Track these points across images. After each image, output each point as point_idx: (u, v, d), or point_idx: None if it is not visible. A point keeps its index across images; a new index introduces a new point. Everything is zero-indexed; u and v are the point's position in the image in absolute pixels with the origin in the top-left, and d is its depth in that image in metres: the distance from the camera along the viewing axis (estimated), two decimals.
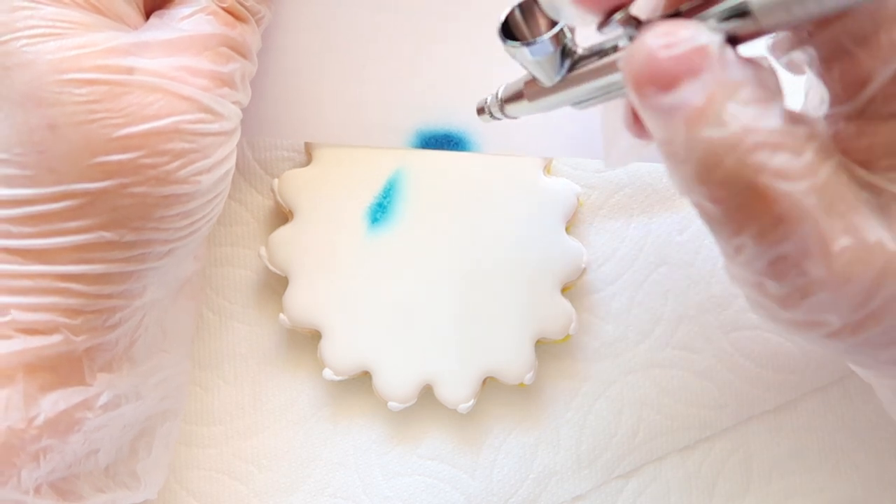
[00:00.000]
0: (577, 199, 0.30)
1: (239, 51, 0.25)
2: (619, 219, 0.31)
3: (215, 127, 0.24)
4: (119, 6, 0.24)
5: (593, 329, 0.31)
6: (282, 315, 0.30)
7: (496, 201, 0.30)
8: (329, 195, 0.30)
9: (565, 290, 0.30)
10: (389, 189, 0.30)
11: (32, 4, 0.22)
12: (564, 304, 0.30)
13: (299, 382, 0.31)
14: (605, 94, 0.21)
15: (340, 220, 0.30)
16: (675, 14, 0.18)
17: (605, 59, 0.20)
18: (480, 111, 0.25)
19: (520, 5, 0.21)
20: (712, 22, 0.18)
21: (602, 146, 0.24)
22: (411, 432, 0.31)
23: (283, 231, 0.30)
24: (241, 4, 0.25)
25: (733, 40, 0.18)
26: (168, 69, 0.23)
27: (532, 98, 0.23)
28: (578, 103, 0.22)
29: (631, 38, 0.19)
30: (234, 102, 0.25)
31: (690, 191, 0.18)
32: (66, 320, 0.23)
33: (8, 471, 0.22)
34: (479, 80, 0.29)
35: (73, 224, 0.22)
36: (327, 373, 0.30)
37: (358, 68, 0.29)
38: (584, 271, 0.30)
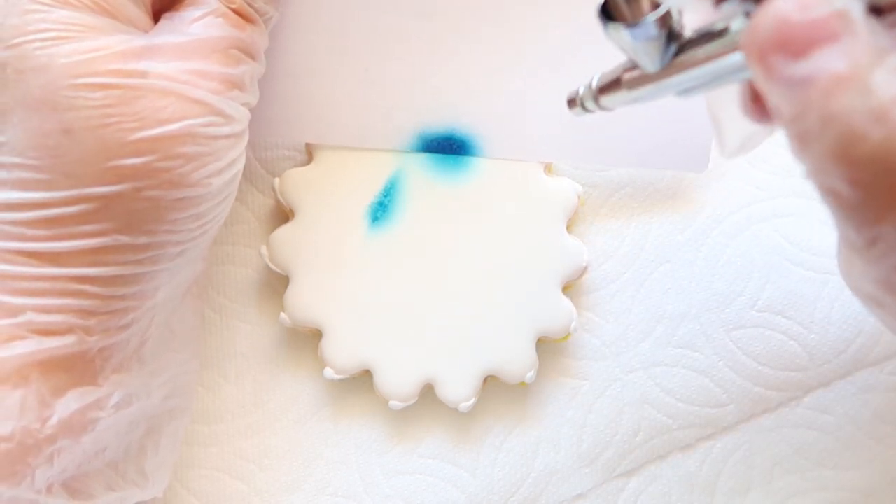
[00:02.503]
0: (578, 198, 0.30)
1: (248, 52, 0.25)
2: (620, 217, 0.31)
3: (226, 129, 0.24)
4: (129, 9, 0.24)
5: (594, 328, 0.31)
6: (282, 314, 0.30)
7: (497, 200, 0.30)
8: (330, 194, 0.30)
9: (566, 288, 0.30)
10: (390, 188, 0.30)
11: (44, 7, 0.22)
12: (565, 302, 0.30)
13: (300, 381, 0.31)
14: (716, 79, 0.19)
15: (341, 219, 0.30)
16: None
17: (718, 42, 0.19)
18: (571, 103, 0.23)
19: None
20: None
21: (715, 135, 0.23)
22: (412, 431, 0.31)
23: (284, 230, 0.30)
24: (250, 5, 0.25)
25: (875, 11, 0.16)
26: (180, 73, 0.23)
27: (632, 86, 0.21)
28: (684, 91, 0.20)
29: (748, 15, 0.17)
30: (243, 104, 0.25)
31: (823, 172, 0.16)
32: (80, 321, 0.23)
33: (23, 471, 0.22)
34: (485, 83, 0.29)
35: (87, 227, 0.22)
36: (328, 372, 0.30)
37: (362, 70, 0.29)
38: (584, 270, 0.30)
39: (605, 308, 0.31)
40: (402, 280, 0.30)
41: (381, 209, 0.30)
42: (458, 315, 0.29)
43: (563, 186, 0.30)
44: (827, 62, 0.15)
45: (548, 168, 0.30)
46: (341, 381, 0.31)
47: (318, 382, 0.31)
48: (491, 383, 0.30)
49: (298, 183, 0.30)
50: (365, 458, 0.31)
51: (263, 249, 0.30)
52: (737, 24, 0.18)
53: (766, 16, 0.16)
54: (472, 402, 0.30)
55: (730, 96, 0.21)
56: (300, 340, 0.31)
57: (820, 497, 0.31)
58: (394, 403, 0.30)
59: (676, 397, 0.31)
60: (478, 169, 0.30)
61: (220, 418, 0.31)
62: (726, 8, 0.18)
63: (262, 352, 0.31)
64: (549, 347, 0.31)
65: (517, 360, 0.30)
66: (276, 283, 0.31)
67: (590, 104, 0.23)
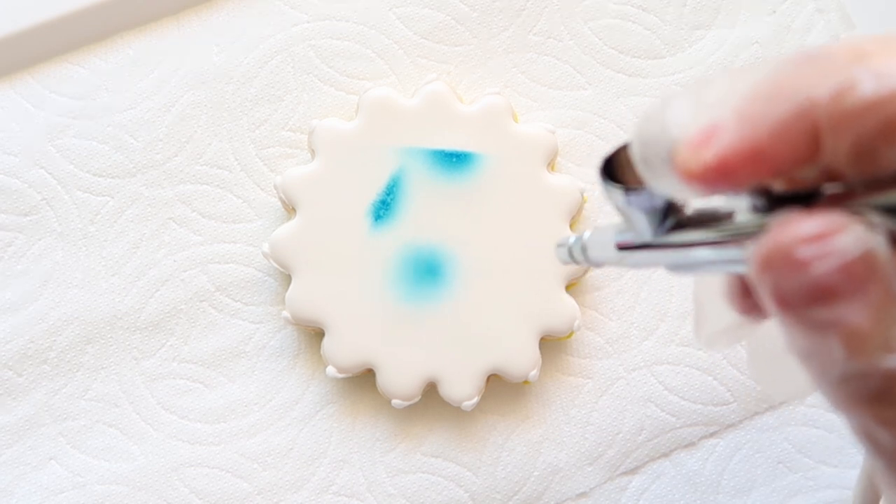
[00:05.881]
0: (582, 196, 0.30)
1: None
2: None
3: None
4: None
5: (597, 326, 0.31)
6: (285, 312, 0.30)
7: (500, 198, 0.30)
8: (332, 192, 0.30)
9: (569, 286, 0.30)
10: (392, 186, 0.30)
11: None
12: (569, 300, 0.30)
13: (303, 380, 0.31)
14: (709, 265, 0.17)
15: (344, 218, 0.30)
16: (812, 194, 0.15)
17: (718, 229, 0.17)
18: (560, 248, 0.22)
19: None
20: (872, 215, 0.14)
21: (694, 318, 0.21)
22: (415, 430, 0.31)
23: (287, 228, 0.30)
24: None
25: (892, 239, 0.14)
26: None
27: (622, 249, 0.19)
28: (674, 268, 0.18)
29: (756, 209, 0.16)
30: None
31: (847, 413, 0.15)
32: None
33: None
34: None
35: None
36: (330, 370, 0.30)
37: None
38: (588, 268, 0.30)
39: (609, 306, 0.31)
40: (405, 278, 0.29)
41: (384, 207, 0.30)
42: (461, 313, 0.29)
43: (566, 184, 0.30)
44: (848, 314, 0.14)
45: (551, 166, 0.30)
46: (344, 379, 0.31)
47: (320, 381, 0.31)
48: (494, 381, 0.30)
49: (301, 181, 0.30)
50: (368, 456, 0.31)
51: (266, 247, 0.30)
52: (742, 216, 0.16)
53: (781, 256, 0.14)
54: (475, 400, 0.30)
55: (716, 281, 0.19)
56: (303, 339, 0.31)
57: (823, 495, 0.31)
58: (397, 402, 0.30)
59: (680, 395, 0.31)
60: (481, 166, 0.30)
61: (223, 417, 0.31)
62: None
63: (264, 350, 0.31)
64: (552, 345, 0.31)
65: (520, 358, 0.29)
66: (279, 282, 0.31)
67: (578, 255, 0.22)
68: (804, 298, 0.14)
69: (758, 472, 0.31)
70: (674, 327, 0.31)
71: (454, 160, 0.30)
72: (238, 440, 0.31)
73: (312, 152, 0.30)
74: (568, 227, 0.30)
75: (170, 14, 0.32)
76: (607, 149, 0.32)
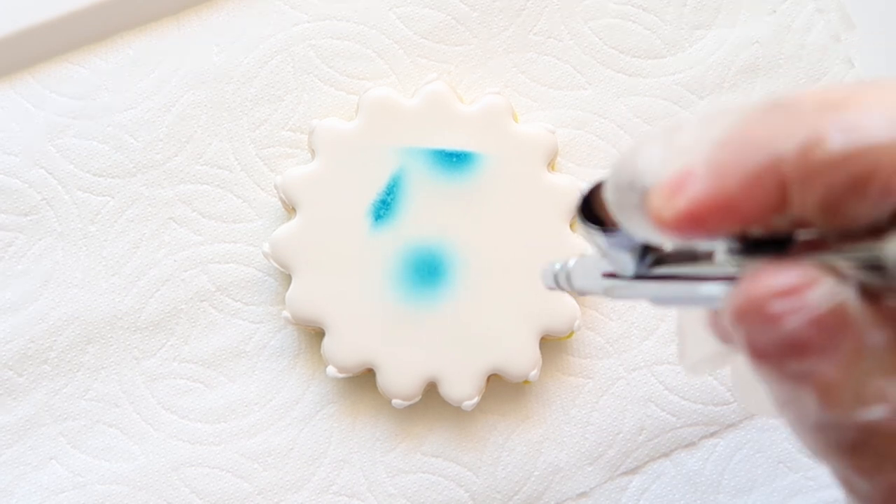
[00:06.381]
0: None
1: None
2: None
3: None
4: None
5: (598, 325, 0.31)
6: (285, 312, 0.30)
7: (500, 197, 0.30)
8: (332, 192, 0.30)
9: None
10: (393, 186, 0.30)
11: None
12: (569, 300, 0.30)
13: (303, 380, 0.31)
14: (688, 301, 0.18)
15: (344, 217, 0.30)
16: (786, 240, 0.15)
17: (697, 266, 0.17)
18: (545, 274, 0.22)
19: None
20: (844, 266, 0.14)
21: (677, 344, 0.21)
22: (415, 430, 0.31)
23: (287, 228, 0.30)
24: None
25: (870, 296, 0.14)
26: None
27: (606, 282, 0.19)
28: (657, 302, 0.19)
29: (732, 252, 0.16)
30: None
31: (824, 461, 0.15)
32: None
33: None
34: None
35: None
36: (331, 370, 0.30)
37: None
38: None
39: (609, 306, 0.31)
40: (405, 278, 0.29)
41: (384, 207, 0.30)
42: (461, 313, 0.29)
43: (566, 184, 0.30)
44: (820, 368, 0.14)
45: (551, 165, 0.30)
46: (344, 379, 0.31)
47: (320, 381, 0.31)
48: (494, 381, 0.30)
49: (301, 181, 0.30)
50: (368, 456, 0.31)
51: (266, 247, 0.30)
52: (720, 256, 0.16)
53: (754, 308, 0.14)
54: (475, 400, 0.30)
55: (698, 311, 0.19)
56: (303, 339, 0.31)
57: (823, 495, 0.31)
58: (397, 402, 0.30)
59: (680, 395, 0.31)
60: (481, 166, 0.30)
61: (223, 417, 0.31)
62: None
63: (264, 350, 0.31)
64: (552, 345, 0.31)
65: (520, 358, 0.29)
66: (279, 282, 0.31)
67: (563, 282, 0.21)
68: (777, 351, 0.14)
69: (758, 472, 0.31)
70: (674, 327, 0.31)
71: (454, 160, 0.30)
72: (238, 440, 0.31)
73: (312, 152, 0.30)
74: (568, 227, 0.30)
75: (170, 14, 0.32)
76: (608, 149, 0.32)
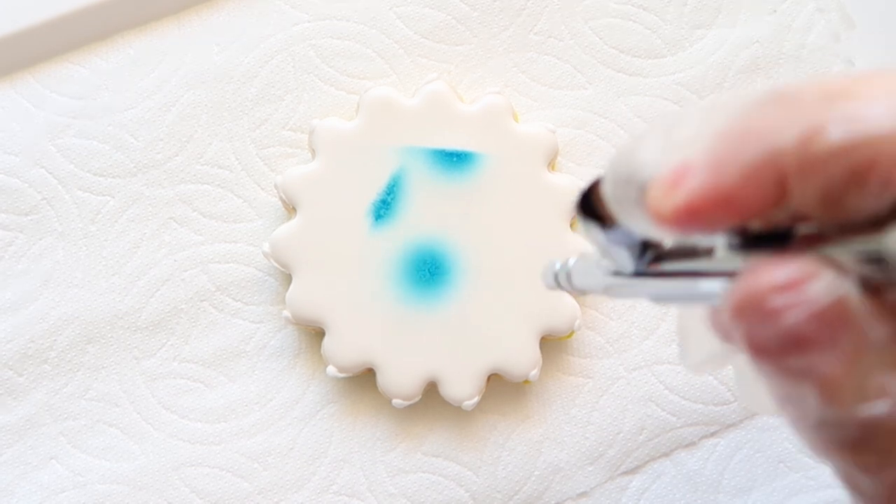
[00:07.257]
0: None
1: None
2: None
3: None
4: None
5: (598, 325, 0.31)
6: (285, 312, 0.30)
7: (500, 197, 0.30)
8: (332, 192, 0.30)
9: None
10: (393, 186, 0.30)
11: None
12: (569, 300, 0.30)
13: (303, 380, 0.31)
14: (688, 298, 0.17)
15: (344, 217, 0.30)
16: (786, 234, 0.15)
17: (696, 262, 0.17)
18: (546, 273, 0.22)
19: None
20: (844, 259, 0.14)
21: (678, 343, 0.21)
22: (416, 429, 0.31)
23: (287, 228, 0.30)
24: None
25: (867, 284, 0.14)
26: None
27: (605, 280, 0.19)
28: (657, 299, 0.19)
29: (732, 248, 0.16)
30: None
31: (826, 458, 0.15)
32: None
33: None
34: None
35: None
36: (331, 370, 0.30)
37: None
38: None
39: (609, 305, 0.31)
40: (405, 278, 0.29)
41: (384, 207, 0.30)
42: (462, 313, 0.29)
43: (567, 184, 0.30)
44: (821, 363, 0.14)
45: (552, 165, 0.30)
46: (344, 379, 0.31)
47: (321, 380, 0.31)
48: (494, 381, 0.30)
49: (301, 180, 0.30)
50: (369, 456, 0.31)
51: (266, 247, 0.30)
52: (720, 252, 0.16)
53: (754, 303, 0.14)
54: (475, 400, 0.30)
55: (698, 310, 0.19)
56: (303, 338, 0.31)
57: (823, 494, 0.31)
58: (397, 401, 0.30)
59: (680, 395, 0.31)
60: (481, 166, 0.30)
61: (223, 417, 0.31)
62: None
63: (264, 350, 0.31)
64: (552, 345, 0.31)
65: (520, 357, 0.29)
66: (279, 281, 0.31)
67: (563, 282, 0.21)
68: (777, 347, 0.14)
69: (758, 472, 0.31)
70: (674, 327, 0.31)
71: (454, 160, 0.30)
72: (238, 440, 0.31)
73: (313, 152, 0.30)
74: (568, 227, 0.30)
75: (170, 14, 0.32)
76: (608, 148, 0.32)
